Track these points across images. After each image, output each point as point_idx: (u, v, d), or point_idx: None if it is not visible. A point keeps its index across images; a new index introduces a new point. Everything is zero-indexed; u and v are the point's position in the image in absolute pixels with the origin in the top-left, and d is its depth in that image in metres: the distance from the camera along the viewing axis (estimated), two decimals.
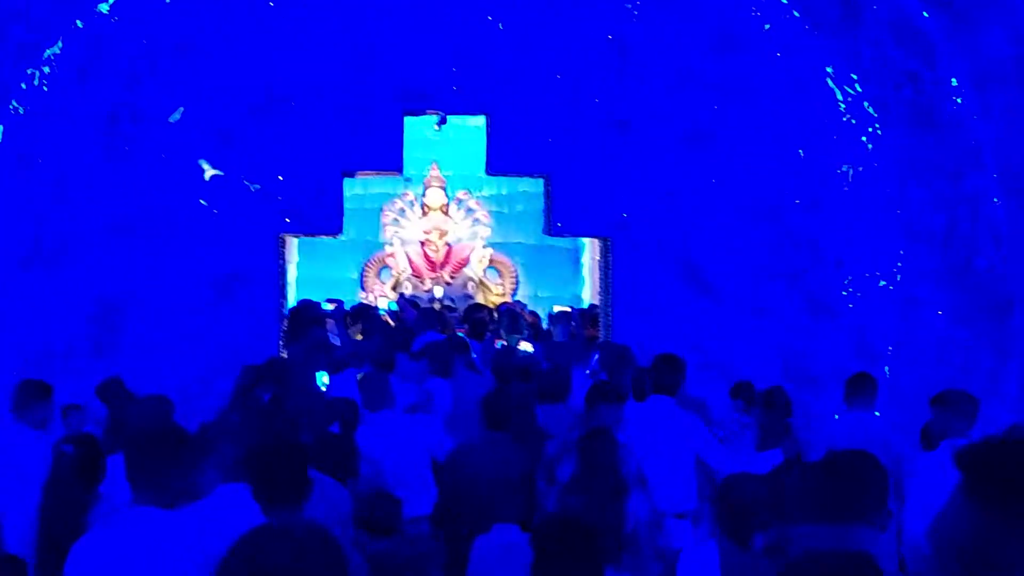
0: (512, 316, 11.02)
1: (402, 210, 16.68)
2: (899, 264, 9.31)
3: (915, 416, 7.50)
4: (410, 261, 16.48)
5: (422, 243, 16.54)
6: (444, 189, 16.57)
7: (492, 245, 16.84)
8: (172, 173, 9.15)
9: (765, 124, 9.47)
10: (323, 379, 8.15)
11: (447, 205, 16.64)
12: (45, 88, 8.87)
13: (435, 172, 16.49)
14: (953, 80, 8.17)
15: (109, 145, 9.07)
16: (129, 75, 9.07)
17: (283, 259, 9.69)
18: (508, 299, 15.59)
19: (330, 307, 11.26)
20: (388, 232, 16.60)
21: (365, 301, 15.33)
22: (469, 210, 16.80)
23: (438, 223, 16.53)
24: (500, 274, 16.79)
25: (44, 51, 8.76)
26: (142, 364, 8.67)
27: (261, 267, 9.33)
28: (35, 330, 8.92)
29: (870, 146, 9.39)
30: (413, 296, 15.35)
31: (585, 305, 14.51)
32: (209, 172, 9.20)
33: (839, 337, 9.43)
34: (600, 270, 10.50)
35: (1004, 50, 7.46)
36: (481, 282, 16.61)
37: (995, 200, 8.12)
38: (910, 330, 9.12)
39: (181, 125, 9.17)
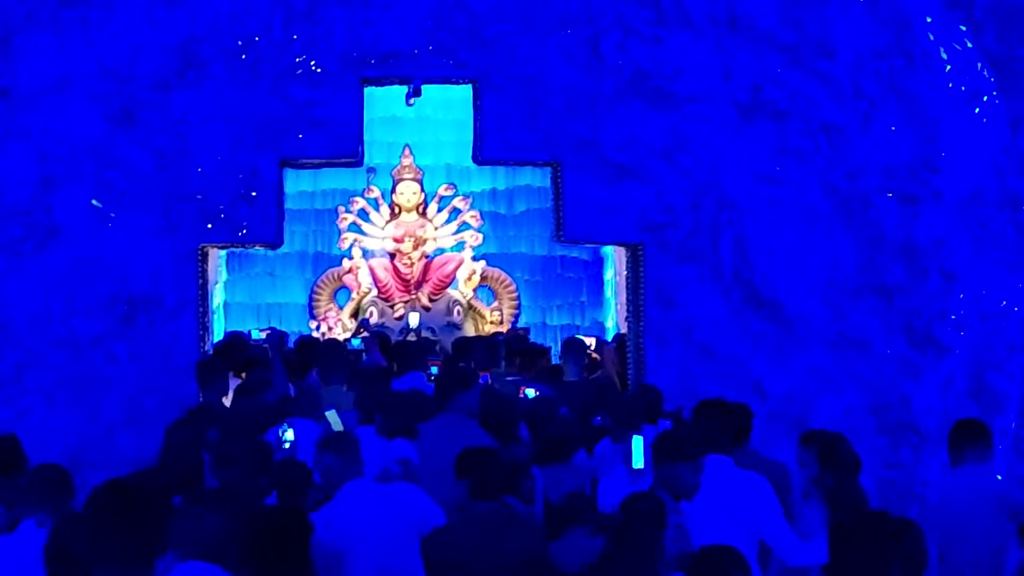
0: (489, 347, 10.85)
1: (364, 212, 16.53)
2: None
3: None
4: (376, 279, 16.29)
5: (391, 255, 16.38)
6: (420, 183, 16.45)
7: (484, 257, 16.74)
8: (53, 163, 9.02)
9: (844, 93, 9.44)
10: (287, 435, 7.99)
11: (424, 204, 16.51)
12: None
13: (407, 161, 16.37)
14: None
15: None
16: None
17: (204, 278, 9.53)
18: (506, 328, 15.46)
19: (262, 336, 11.01)
20: (346, 241, 16.45)
21: (315, 333, 15.19)
22: (454, 211, 16.65)
23: (412, 229, 16.38)
24: (496, 295, 16.63)
25: None
26: (15, 417, 8.56)
27: (175, 289, 9.18)
28: None
29: (984, 120, 9.29)
30: (380, 326, 15.18)
31: (611, 335, 14.37)
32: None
33: (949, 376, 9.36)
34: (628, 287, 10.35)
35: None
36: (471, 306, 16.43)
37: None
38: None
39: (66, 98, 9.05)
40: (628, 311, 10.42)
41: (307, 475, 6.68)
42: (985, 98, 9.37)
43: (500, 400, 8.31)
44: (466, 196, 16.62)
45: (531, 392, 9.27)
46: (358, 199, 16.35)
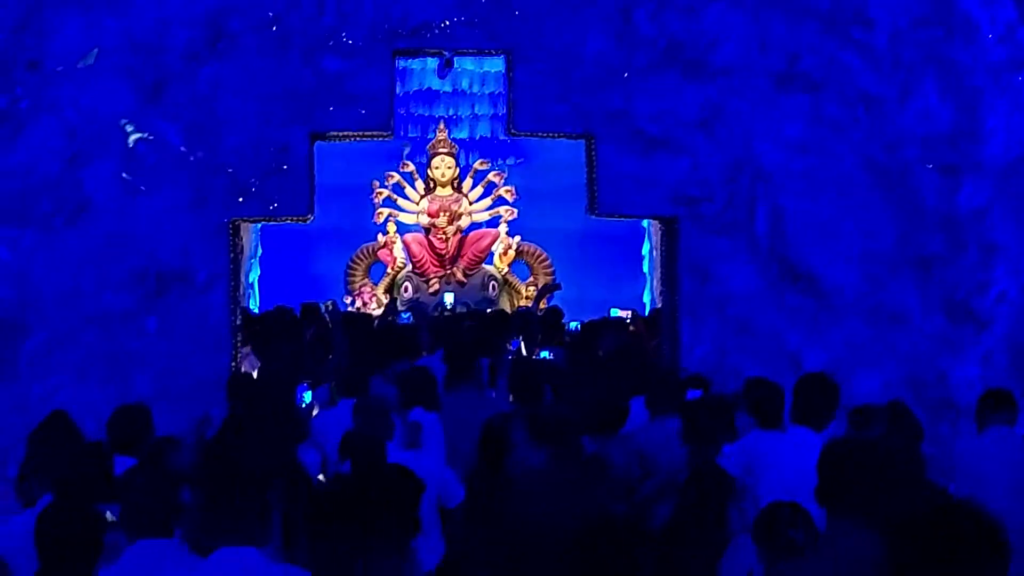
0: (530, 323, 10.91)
1: (399, 186, 16.47)
2: None
3: None
4: (411, 254, 16.24)
5: (426, 230, 16.32)
6: (455, 157, 16.37)
7: (520, 232, 16.64)
8: (84, 138, 8.97)
9: (882, 63, 9.33)
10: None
11: (459, 179, 16.43)
12: None
13: (442, 135, 16.29)
14: None
15: None
16: (26, 6, 8.90)
17: (236, 252, 9.47)
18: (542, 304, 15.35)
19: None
20: (381, 216, 16.39)
21: (350, 309, 15.12)
22: (489, 185, 16.56)
23: (447, 203, 16.31)
24: (531, 270, 16.53)
25: None
26: (47, 394, 8.57)
27: (206, 263, 9.12)
28: None
29: None
30: (415, 301, 15.08)
31: (647, 310, 14.26)
32: (134, 136, 9.01)
33: (988, 351, 9.26)
34: (663, 261, 10.28)
35: None
36: (506, 281, 16.35)
37: None
38: None
39: (95, 72, 8.99)
40: (662, 285, 10.35)
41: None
42: None
43: (528, 365, 8.37)
44: (501, 170, 16.51)
45: (546, 353, 9.30)
46: (393, 174, 16.28)
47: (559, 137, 9.75)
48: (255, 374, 8.99)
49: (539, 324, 11.38)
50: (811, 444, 6.16)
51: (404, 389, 7.74)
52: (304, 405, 7.79)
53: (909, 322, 9.31)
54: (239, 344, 9.55)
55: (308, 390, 7.90)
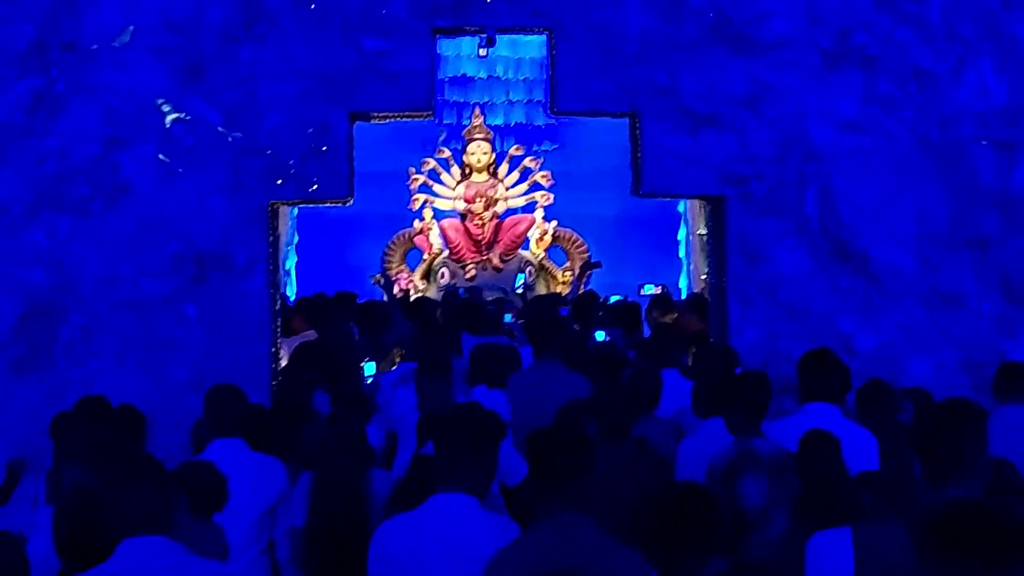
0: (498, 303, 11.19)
1: (435, 172, 16.50)
2: None
3: None
4: (447, 240, 16.29)
5: (463, 216, 16.36)
6: (490, 143, 16.40)
7: (556, 217, 16.66)
8: (119, 119, 8.86)
9: (936, 37, 9.15)
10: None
11: (495, 164, 16.46)
12: None
13: (477, 121, 16.36)
14: None
15: (32, 82, 8.86)
16: None
17: (275, 235, 9.39)
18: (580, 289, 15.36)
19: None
20: (417, 202, 16.44)
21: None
22: (525, 171, 16.58)
23: (483, 189, 16.33)
24: (568, 256, 16.55)
25: None
26: (85, 380, 8.49)
27: (245, 247, 8.98)
28: None
29: None
30: (450, 286, 15.10)
31: (683, 294, 14.30)
32: (172, 116, 8.90)
33: None
34: (710, 242, 10.12)
35: None
36: (542, 266, 16.41)
37: None
38: None
39: (131, 51, 8.89)
40: (710, 267, 10.23)
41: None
42: None
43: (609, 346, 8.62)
44: (537, 156, 16.61)
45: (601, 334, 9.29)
46: (429, 160, 16.44)
47: (603, 115, 9.60)
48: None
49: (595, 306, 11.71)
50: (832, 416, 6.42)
51: (474, 366, 7.81)
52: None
53: (965, 304, 9.17)
54: (278, 330, 9.46)
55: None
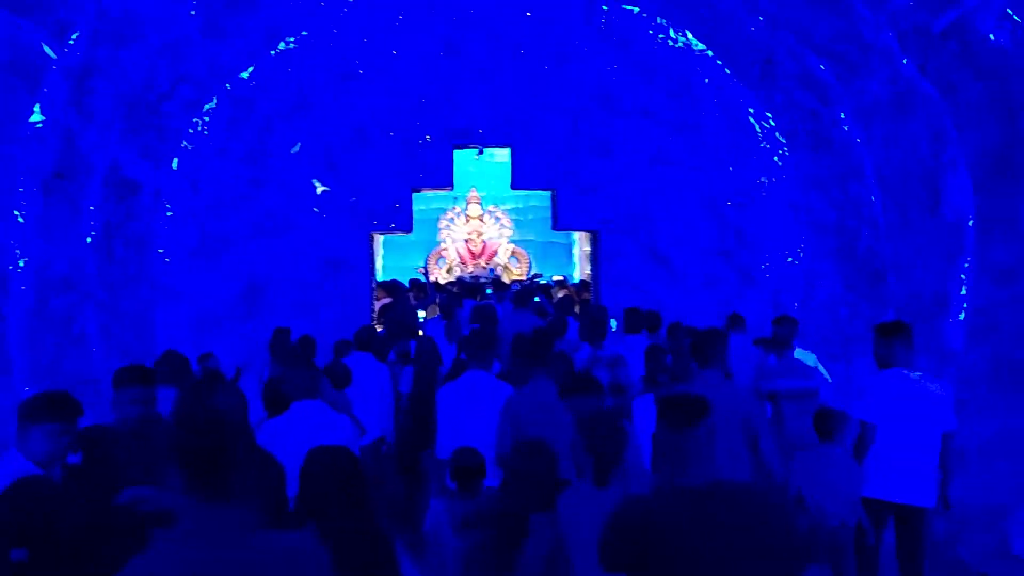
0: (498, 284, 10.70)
1: (452, 219, 16.36)
2: (802, 247, 8.79)
3: (818, 352, 7.14)
4: (458, 253, 16.15)
5: (466, 240, 16.21)
6: (480, 204, 16.26)
7: (513, 241, 16.51)
8: (294, 190, 8.78)
9: (707, 149, 9.01)
10: None
11: (483, 215, 16.31)
12: (205, 133, 8.50)
13: (474, 193, 16.19)
14: (842, 114, 7.65)
15: (250, 171, 8.71)
16: (263, 122, 8.69)
17: (372, 250, 9.28)
18: (524, 278, 15.24)
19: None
20: (443, 234, 16.27)
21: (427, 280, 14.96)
22: (497, 218, 16.44)
23: (477, 227, 16.21)
24: (519, 260, 16.44)
25: (204, 105, 8.38)
26: (276, 321, 8.27)
27: (357, 256, 8.89)
28: (202, 302, 8.57)
29: (780, 163, 8.87)
30: (460, 276, 14.96)
31: (576, 280, 14.16)
32: (320, 188, 8.79)
33: (760, 298, 8.94)
34: (592, 254, 10.04)
35: (880, 92, 6.93)
36: (506, 266, 16.25)
37: (872, 199, 7.60)
38: (811, 293, 8.63)
39: (299, 156, 8.78)
40: (591, 266, 10.01)
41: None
42: (781, 151, 8.90)
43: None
44: (504, 210, 16.39)
45: (536, 299, 8.79)
46: (449, 212, 16.18)
47: (538, 189, 9.46)
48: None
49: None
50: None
51: (472, 316, 7.17)
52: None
53: (720, 284, 8.89)
54: (375, 299, 9.36)
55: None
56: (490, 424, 4.27)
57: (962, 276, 6.00)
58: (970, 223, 5.98)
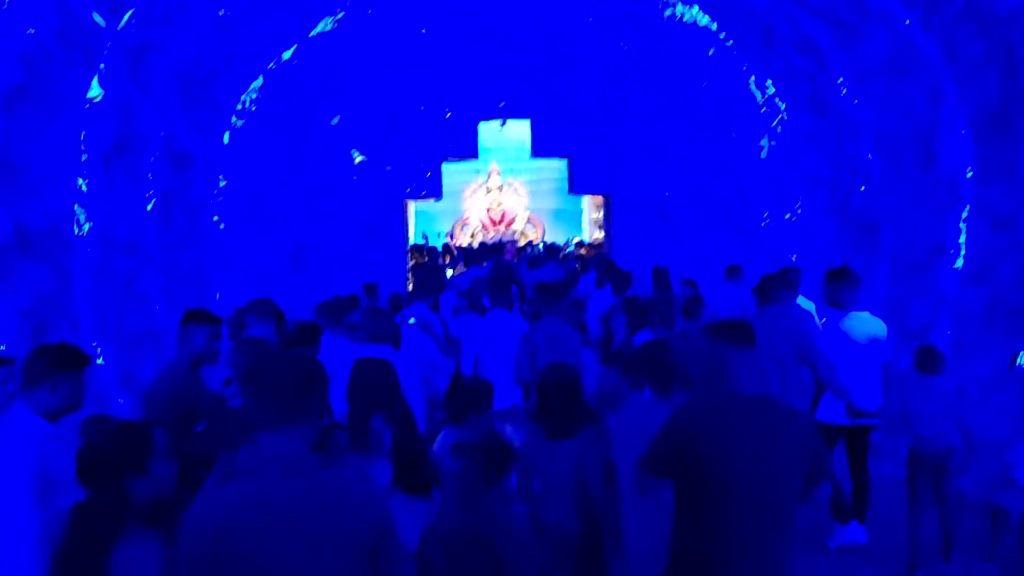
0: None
1: (475, 189, 16.04)
2: (799, 203, 8.35)
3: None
4: (480, 220, 15.84)
5: (488, 209, 15.86)
6: (499, 175, 15.92)
7: (529, 209, 16.18)
8: (335, 159, 8.46)
9: (711, 116, 8.62)
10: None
11: (502, 186, 15.97)
12: (253, 108, 8.13)
13: (495, 167, 15.83)
14: (840, 78, 7.16)
15: (295, 142, 8.39)
16: (305, 97, 8.31)
17: (406, 215, 9.01)
18: (539, 240, 14.94)
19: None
20: (467, 203, 15.97)
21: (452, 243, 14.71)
22: (514, 189, 16.10)
23: (497, 197, 15.87)
24: (535, 226, 16.14)
25: (250, 84, 8.01)
26: (321, 281, 8.10)
27: (393, 220, 8.60)
28: (256, 260, 8.32)
29: (779, 128, 8.40)
30: (483, 241, 14.66)
31: (585, 241, 13.89)
32: (358, 159, 8.47)
33: (760, 252, 8.58)
34: (604, 216, 9.65)
35: (877, 54, 6.42)
36: (523, 232, 15.98)
37: (869, 156, 7.13)
38: (807, 246, 8.21)
39: (339, 129, 8.44)
40: (604, 226, 9.71)
41: None
42: (780, 115, 8.43)
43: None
44: (521, 181, 16.02)
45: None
46: (472, 183, 15.85)
47: (556, 157, 9.09)
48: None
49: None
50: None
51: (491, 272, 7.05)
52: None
53: (721, 239, 8.56)
54: (408, 257, 9.11)
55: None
56: (508, 352, 4.59)
57: (961, 225, 5.55)
58: (968, 174, 5.52)
